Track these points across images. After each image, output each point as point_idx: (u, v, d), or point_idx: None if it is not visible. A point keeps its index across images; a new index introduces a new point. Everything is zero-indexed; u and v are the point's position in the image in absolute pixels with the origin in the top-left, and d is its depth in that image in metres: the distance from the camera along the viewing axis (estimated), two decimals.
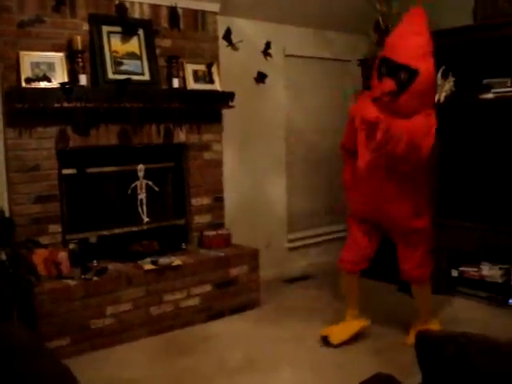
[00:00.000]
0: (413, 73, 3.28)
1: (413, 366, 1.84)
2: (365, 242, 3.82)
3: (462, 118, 4.62)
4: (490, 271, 4.52)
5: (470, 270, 4.63)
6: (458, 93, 4.66)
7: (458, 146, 4.66)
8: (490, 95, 4.44)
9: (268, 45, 5.07)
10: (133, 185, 4.29)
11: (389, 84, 3.34)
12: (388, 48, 3.44)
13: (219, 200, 4.72)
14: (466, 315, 4.22)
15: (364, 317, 3.91)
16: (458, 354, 1.47)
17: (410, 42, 3.34)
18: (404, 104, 3.36)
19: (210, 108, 4.53)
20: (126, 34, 4.15)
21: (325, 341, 3.76)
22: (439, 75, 4.72)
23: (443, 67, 4.71)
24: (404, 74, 3.30)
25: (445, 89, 4.70)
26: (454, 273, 4.72)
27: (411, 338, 3.48)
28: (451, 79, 4.68)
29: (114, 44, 4.09)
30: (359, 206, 3.77)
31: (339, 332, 3.81)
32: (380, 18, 5.13)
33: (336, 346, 3.71)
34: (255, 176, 5.19)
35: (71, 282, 3.67)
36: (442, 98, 4.70)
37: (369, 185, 3.59)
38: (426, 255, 3.74)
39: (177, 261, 4.10)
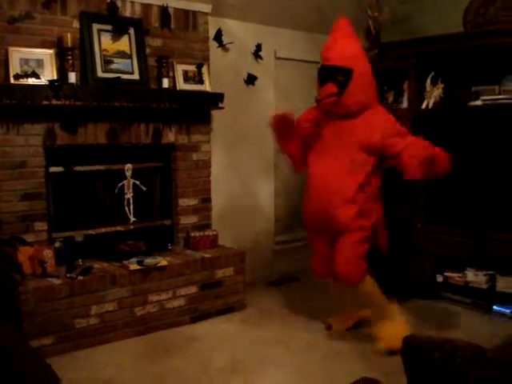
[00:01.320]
0: (348, 72, 3.58)
1: (399, 371, 1.85)
2: (326, 250, 3.80)
3: (450, 125, 4.64)
4: (474, 277, 4.53)
5: (455, 276, 4.65)
6: (447, 99, 4.69)
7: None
8: (478, 102, 4.47)
9: (259, 47, 5.08)
10: (120, 184, 4.27)
11: (329, 87, 3.62)
12: (323, 58, 3.71)
13: (207, 201, 4.71)
14: (451, 321, 4.25)
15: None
16: (444, 361, 1.48)
17: (340, 46, 3.65)
18: (347, 104, 3.62)
19: (199, 109, 4.52)
20: (117, 33, 4.13)
21: (329, 328, 4.04)
22: (428, 81, 4.76)
23: (432, 73, 4.75)
24: (340, 76, 3.59)
25: (434, 95, 4.73)
26: (439, 278, 4.73)
27: (380, 344, 3.63)
28: (440, 86, 4.72)
29: (105, 42, 4.07)
30: (307, 213, 3.89)
31: (342, 321, 4.05)
32: (371, 24, 5.15)
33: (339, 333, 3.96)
34: (243, 177, 5.18)
35: (56, 281, 3.64)
36: (431, 104, 4.74)
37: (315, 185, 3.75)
38: (357, 253, 3.62)
39: (163, 261, 4.08)
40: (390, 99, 5.04)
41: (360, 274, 3.65)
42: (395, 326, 3.60)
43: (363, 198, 3.62)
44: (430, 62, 4.79)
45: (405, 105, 4.91)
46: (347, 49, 3.66)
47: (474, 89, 4.59)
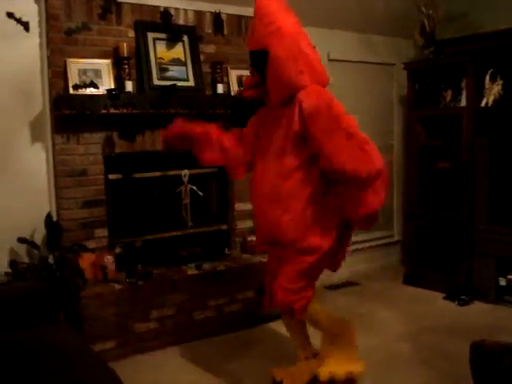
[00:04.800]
0: (264, 55, 2.91)
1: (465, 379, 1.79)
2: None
3: (510, 122, 4.51)
4: None
5: None
6: (507, 96, 4.56)
7: (507, 151, 4.54)
8: None
9: None
10: (177, 190, 4.31)
11: (248, 77, 3.19)
12: (247, 45, 3.16)
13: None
14: None
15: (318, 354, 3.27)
16: None
17: (255, 28, 3.02)
18: (270, 92, 2.98)
19: (253, 113, 4.51)
20: (171, 41, 4.18)
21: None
22: (487, 78, 4.63)
23: (491, 70, 4.62)
24: (259, 61, 2.98)
25: (493, 92, 4.61)
26: (502, 281, 4.58)
27: (323, 374, 3.00)
28: (499, 82, 4.59)
29: (160, 50, 4.12)
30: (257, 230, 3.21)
31: (296, 377, 3.23)
32: (425, 21, 5.06)
33: None
34: None
35: (117, 286, 3.70)
36: (491, 102, 4.61)
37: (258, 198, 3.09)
38: (300, 284, 2.93)
39: (220, 266, 4.11)
40: (448, 98, 4.93)
41: (298, 306, 2.94)
42: (346, 352, 3.04)
43: (302, 206, 2.88)
44: (488, 58, 4.67)
45: (463, 103, 4.80)
46: (264, 28, 2.95)
47: None
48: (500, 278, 4.59)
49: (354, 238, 5.52)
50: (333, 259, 3.10)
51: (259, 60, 2.97)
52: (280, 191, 2.89)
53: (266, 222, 3.01)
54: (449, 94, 4.92)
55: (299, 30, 3.03)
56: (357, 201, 2.83)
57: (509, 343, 1.50)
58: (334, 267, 3.19)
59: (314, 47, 3.07)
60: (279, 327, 4.16)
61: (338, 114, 2.82)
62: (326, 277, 3.39)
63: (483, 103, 4.66)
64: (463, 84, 4.81)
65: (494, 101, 4.60)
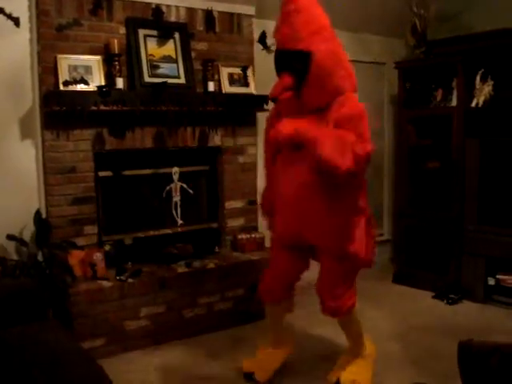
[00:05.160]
0: (306, 57, 2.77)
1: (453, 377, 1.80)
2: (287, 269, 3.26)
3: (501, 123, 4.53)
4: None
5: (508, 278, 4.52)
6: (497, 97, 4.58)
7: (497, 151, 4.57)
8: None
9: None
10: (168, 187, 4.31)
11: (285, 79, 2.85)
12: (277, 41, 2.92)
13: (253, 203, 4.70)
14: (504, 324, 4.13)
15: (287, 342, 3.48)
16: (503, 365, 1.43)
17: (293, 25, 2.78)
18: (310, 97, 2.86)
19: (245, 111, 4.52)
20: (162, 38, 4.17)
21: (248, 378, 3.33)
22: (478, 78, 4.65)
23: (482, 70, 4.64)
24: (297, 63, 2.79)
25: (483, 92, 4.62)
26: (491, 281, 4.61)
27: (331, 377, 3.22)
28: (490, 82, 4.61)
29: (151, 47, 4.11)
30: (281, 228, 3.22)
31: (264, 367, 3.34)
32: (417, 21, 5.07)
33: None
34: None
35: (106, 284, 3.69)
36: (481, 102, 4.63)
37: (290, 202, 3.02)
38: (347, 285, 3.08)
39: (210, 264, 4.10)
40: (439, 97, 4.95)
41: (347, 308, 3.10)
42: (361, 366, 3.25)
43: (339, 212, 2.94)
44: (479, 58, 4.69)
45: (454, 103, 4.82)
46: (304, 27, 2.77)
47: None
48: (489, 278, 4.61)
49: None
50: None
51: (297, 61, 2.80)
52: (321, 200, 2.89)
53: (303, 225, 3.01)
54: (439, 94, 4.94)
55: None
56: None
57: (497, 343, 1.51)
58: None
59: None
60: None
61: (364, 131, 2.83)
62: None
63: (474, 103, 4.68)
64: (454, 84, 4.82)
65: (485, 101, 4.62)
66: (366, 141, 2.80)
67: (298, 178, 2.93)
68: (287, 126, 2.81)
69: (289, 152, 2.99)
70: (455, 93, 4.80)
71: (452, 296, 4.66)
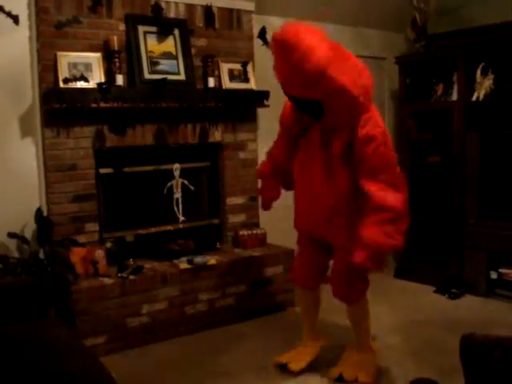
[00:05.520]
0: (317, 104, 2.83)
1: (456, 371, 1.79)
2: (312, 258, 3.37)
3: (502, 117, 4.52)
4: None
5: (510, 272, 4.51)
6: (498, 90, 4.57)
7: (499, 145, 4.56)
8: None
9: None
10: (169, 184, 4.30)
11: (304, 119, 3.05)
12: (281, 82, 2.90)
13: (254, 199, 4.70)
14: (506, 318, 4.13)
15: (321, 335, 3.54)
16: (505, 359, 1.43)
17: (294, 73, 2.73)
18: (329, 123, 2.95)
19: (245, 107, 4.52)
20: (162, 34, 4.16)
21: (283, 368, 3.39)
22: (478, 72, 4.64)
23: (482, 64, 4.63)
24: (310, 107, 2.89)
25: (484, 86, 4.61)
26: (493, 275, 4.60)
27: (334, 372, 3.26)
28: (491, 76, 4.60)
29: (150, 44, 4.10)
30: (300, 219, 3.37)
31: (300, 358, 3.41)
32: (417, 15, 5.06)
33: (297, 374, 3.34)
34: None
35: (108, 281, 3.69)
36: (482, 96, 4.62)
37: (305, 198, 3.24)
38: (359, 275, 3.15)
39: (212, 260, 4.10)
40: (440, 92, 4.94)
41: (358, 294, 3.20)
42: (364, 361, 3.27)
43: (354, 209, 3.03)
44: (480, 52, 4.68)
45: (454, 97, 4.81)
46: (304, 74, 2.69)
47: None
48: (491, 272, 4.61)
49: None
50: None
51: (310, 106, 2.88)
52: (335, 203, 3.03)
53: (319, 226, 3.17)
54: (440, 88, 4.93)
55: (337, 51, 2.84)
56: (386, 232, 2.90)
57: (499, 336, 1.51)
58: None
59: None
60: (271, 321, 4.18)
61: (388, 156, 2.95)
62: None
63: (474, 97, 4.67)
64: (454, 78, 4.81)
65: (485, 95, 4.61)
66: (396, 185, 2.94)
67: (317, 178, 3.08)
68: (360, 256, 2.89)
69: (311, 149, 3.11)
70: (456, 87, 4.80)
71: (454, 290, 4.65)
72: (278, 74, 2.86)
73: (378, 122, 2.95)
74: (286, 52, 2.68)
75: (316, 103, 2.83)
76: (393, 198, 2.88)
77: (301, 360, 3.39)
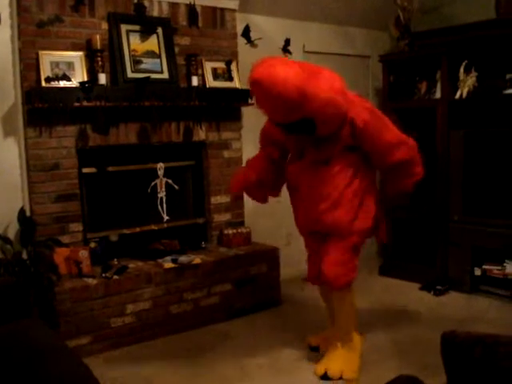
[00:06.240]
0: (308, 121, 2.99)
1: (437, 368, 1.80)
2: (318, 252, 3.42)
3: (485, 114, 4.55)
4: None
5: (494, 269, 4.54)
6: (481, 88, 4.59)
7: (481, 143, 4.58)
8: None
9: (287, 42, 5.03)
10: (153, 183, 4.29)
11: (300, 139, 3.26)
12: (268, 114, 3.12)
13: (239, 198, 4.70)
14: (490, 315, 4.16)
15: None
16: (486, 356, 1.43)
17: (279, 105, 2.89)
18: (325, 131, 3.09)
19: (229, 106, 4.51)
20: (145, 33, 4.14)
21: (315, 349, 3.55)
22: (461, 70, 4.66)
23: (465, 62, 4.65)
24: (302, 127, 3.05)
25: (467, 84, 4.64)
26: (478, 271, 4.63)
27: (319, 368, 3.30)
28: (474, 74, 4.62)
29: (133, 43, 4.08)
30: (299, 221, 3.49)
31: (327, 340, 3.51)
32: (400, 13, 5.08)
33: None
34: None
35: (92, 281, 3.67)
36: (465, 94, 4.65)
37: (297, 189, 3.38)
38: (348, 257, 3.27)
39: (197, 259, 4.09)
40: (423, 90, 4.96)
41: (345, 279, 3.27)
42: (348, 357, 3.33)
43: (350, 198, 3.22)
44: (463, 50, 4.71)
45: (438, 95, 4.83)
46: (286, 102, 2.85)
47: (508, 76, 4.49)
48: (475, 268, 4.63)
49: None
50: (377, 233, 3.50)
51: (301, 126, 3.03)
52: (329, 194, 3.19)
53: (314, 220, 3.29)
54: (423, 86, 4.95)
55: (308, 69, 2.99)
56: (408, 175, 3.37)
57: (480, 333, 1.51)
58: (383, 239, 3.60)
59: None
60: (256, 320, 4.18)
61: (379, 116, 3.29)
62: (306, 269, 3.52)
63: (458, 95, 4.70)
64: (438, 76, 4.83)
65: (469, 92, 4.64)
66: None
67: (311, 179, 3.26)
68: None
69: (304, 157, 3.30)
70: (439, 85, 4.82)
71: (439, 287, 4.68)
72: (262, 109, 3.04)
73: (364, 106, 3.23)
74: (264, 90, 2.84)
75: (307, 121, 2.98)
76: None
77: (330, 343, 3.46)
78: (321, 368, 3.29)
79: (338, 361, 3.29)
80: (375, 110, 3.29)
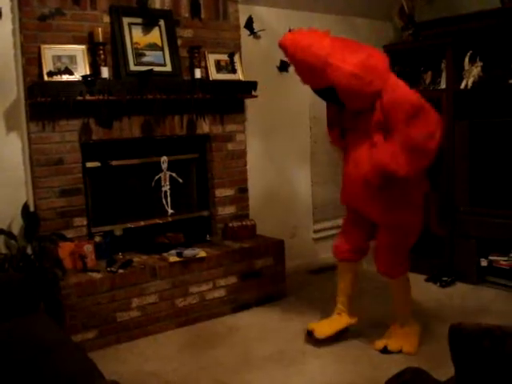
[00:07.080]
0: (332, 90, 3.17)
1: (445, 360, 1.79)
2: (354, 232, 3.62)
3: (490, 104, 4.51)
4: None
5: (500, 259, 4.52)
6: (486, 78, 4.56)
7: (487, 133, 4.55)
8: None
9: None
10: (157, 177, 4.27)
11: (332, 133, 3.60)
12: (301, 79, 3.36)
13: (243, 191, 4.68)
14: (496, 306, 4.14)
15: (353, 313, 3.70)
16: (494, 348, 1.42)
17: (306, 69, 3.19)
18: (353, 107, 3.28)
19: (232, 98, 4.49)
20: (147, 25, 4.12)
21: (310, 335, 3.60)
22: (466, 60, 4.63)
23: (470, 52, 4.61)
24: (328, 94, 3.28)
25: (472, 74, 4.60)
26: (484, 262, 4.60)
27: (378, 344, 3.47)
28: (479, 64, 4.58)
29: (136, 35, 4.06)
30: (344, 193, 3.62)
31: (325, 327, 3.62)
32: (404, 3, 5.04)
33: (321, 341, 3.54)
34: (279, 166, 5.14)
35: (97, 275, 3.67)
36: (470, 84, 4.61)
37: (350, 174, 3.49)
38: (401, 251, 3.44)
39: (202, 252, 4.08)
40: (428, 80, 4.92)
41: (400, 270, 3.46)
42: (407, 335, 3.48)
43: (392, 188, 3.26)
44: (468, 40, 4.67)
45: (443, 85, 4.79)
46: (309, 66, 3.13)
47: None
48: (481, 259, 4.61)
49: (337, 223, 5.54)
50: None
51: (327, 94, 3.26)
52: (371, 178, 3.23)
53: (362, 200, 3.40)
54: (428, 76, 4.91)
55: (339, 43, 3.20)
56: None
57: (488, 325, 1.50)
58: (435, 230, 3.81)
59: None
60: (262, 312, 4.17)
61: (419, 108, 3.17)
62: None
63: (463, 85, 4.66)
64: (443, 66, 4.79)
65: (474, 82, 4.60)
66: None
67: (360, 160, 3.32)
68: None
69: (354, 135, 3.41)
70: (444, 75, 4.78)
71: (445, 278, 4.66)
72: (298, 75, 3.31)
73: (397, 86, 3.26)
74: (288, 54, 3.18)
75: (331, 90, 3.15)
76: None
77: (327, 329, 3.58)
78: (380, 343, 3.45)
79: (398, 337, 3.45)
80: (419, 102, 3.19)
